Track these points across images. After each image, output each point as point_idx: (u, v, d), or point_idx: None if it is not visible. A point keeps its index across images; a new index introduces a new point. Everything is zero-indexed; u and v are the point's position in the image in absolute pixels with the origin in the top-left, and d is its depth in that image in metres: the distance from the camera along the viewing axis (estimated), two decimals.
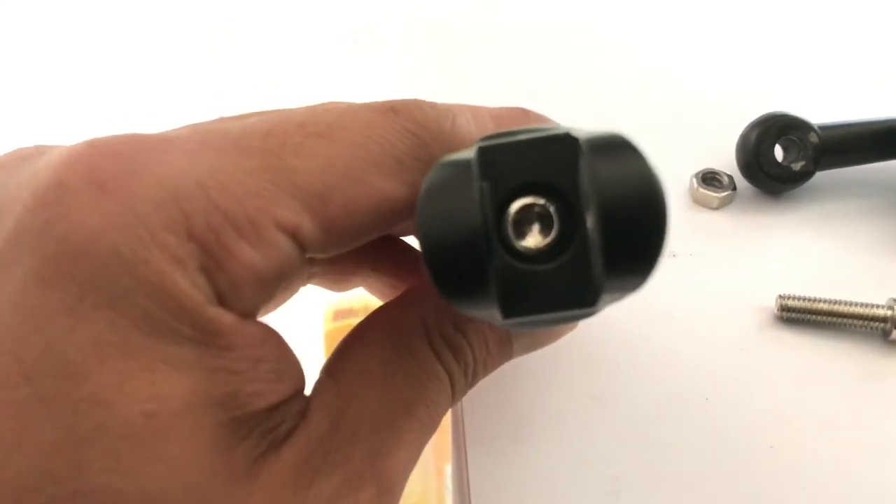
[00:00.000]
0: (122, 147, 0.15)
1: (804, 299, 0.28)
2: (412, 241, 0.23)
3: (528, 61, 0.44)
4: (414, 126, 0.16)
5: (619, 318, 0.26)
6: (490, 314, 0.14)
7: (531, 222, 0.14)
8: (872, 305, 0.28)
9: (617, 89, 0.41)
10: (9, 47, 0.51)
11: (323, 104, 0.17)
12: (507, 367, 0.21)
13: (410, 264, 0.23)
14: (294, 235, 0.15)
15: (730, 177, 0.34)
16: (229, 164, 0.15)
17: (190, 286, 0.14)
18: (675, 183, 0.35)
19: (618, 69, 0.43)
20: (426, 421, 0.18)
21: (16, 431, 0.13)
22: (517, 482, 0.25)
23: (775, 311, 0.29)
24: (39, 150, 0.16)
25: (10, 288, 0.14)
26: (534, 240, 0.14)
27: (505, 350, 0.20)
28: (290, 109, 0.17)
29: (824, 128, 0.33)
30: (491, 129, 0.18)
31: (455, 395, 0.19)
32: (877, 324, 0.28)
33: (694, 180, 0.34)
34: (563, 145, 0.14)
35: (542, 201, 0.14)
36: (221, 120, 0.18)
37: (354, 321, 0.19)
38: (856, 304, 0.28)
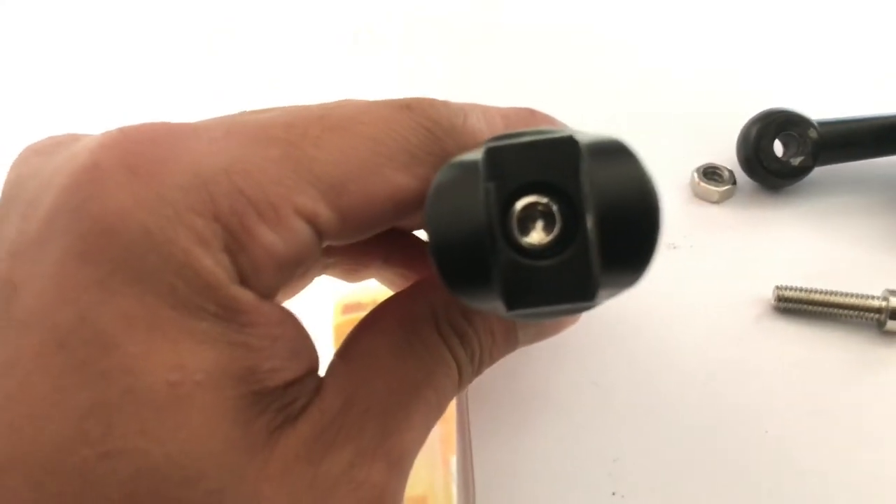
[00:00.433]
0: (153, 134, 0.16)
1: (801, 290, 0.29)
2: (423, 234, 0.24)
3: (529, 60, 0.44)
4: (427, 122, 0.17)
5: (621, 307, 0.27)
6: (494, 307, 0.15)
7: (535, 220, 0.15)
8: (868, 296, 0.29)
9: (619, 87, 0.42)
10: (9, 47, 0.52)
11: (340, 100, 0.18)
12: (511, 355, 0.22)
13: (420, 257, 0.24)
14: (312, 222, 0.16)
15: (730, 171, 0.35)
16: (252, 152, 0.16)
17: (214, 265, 0.15)
18: (677, 177, 0.35)
19: (619, 67, 0.43)
20: (434, 403, 0.19)
21: (51, 396, 0.14)
22: (521, 470, 0.26)
23: (772, 301, 0.30)
24: (73, 137, 0.17)
25: (47, 262, 0.15)
26: (537, 236, 0.15)
27: (510, 340, 0.21)
28: (310, 104, 0.18)
29: (823, 124, 0.34)
30: (501, 127, 0.19)
31: (462, 381, 0.19)
32: (872, 314, 0.28)
33: (695, 174, 0.35)
34: (566, 148, 0.15)
35: (545, 200, 0.15)
36: (244, 113, 0.18)
37: (363, 315, 0.20)
38: (851, 295, 0.29)
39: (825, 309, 0.29)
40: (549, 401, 0.27)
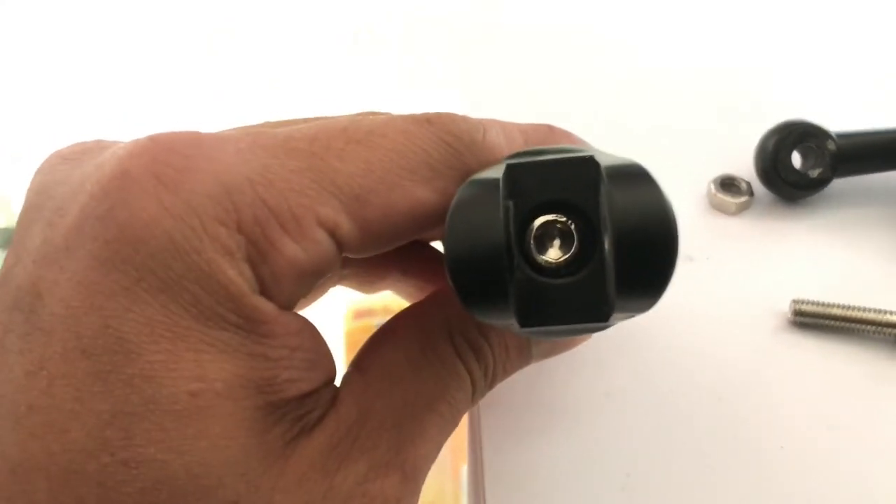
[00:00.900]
0: (180, 143, 0.16)
1: (818, 304, 0.29)
2: (440, 246, 0.24)
3: (532, 63, 0.44)
4: (448, 136, 0.17)
5: (636, 319, 0.27)
6: (508, 324, 0.15)
7: (552, 238, 0.15)
8: (886, 311, 0.28)
9: (632, 96, 0.41)
10: (9, 47, 0.52)
11: (364, 113, 0.18)
12: None
13: (437, 269, 0.24)
14: (333, 233, 0.16)
15: (748, 183, 0.35)
16: (277, 163, 0.16)
17: (236, 275, 0.15)
18: (694, 188, 0.35)
19: (632, 74, 0.43)
20: (447, 416, 0.19)
21: (74, 402, 0.14)
22: (532, 482, 0.25)
23: (789, 315, 0.29)
24: (100, 145, 0.17)
25: (74, 269, 0.15)
26: (554, 254, 0.15)
27: (524, 355, 0.21)
28: (335, 117, 0.18)
29: (842, 136, 0.33)
30: (520, 143, 0.19)
31: (475, 394, 0.19)
32: (890, 330, 0.28)
33: (712, 186, 0.35)
34: (587, 168, 0.15)
35: (563, 219, 0.15)
36: (268, 123, 0.19)
37: (374, 321, 0.20)
38: (869, 310, 0.29)
39: (842, 323, 0.29)
40: (561, 412, 0.27)
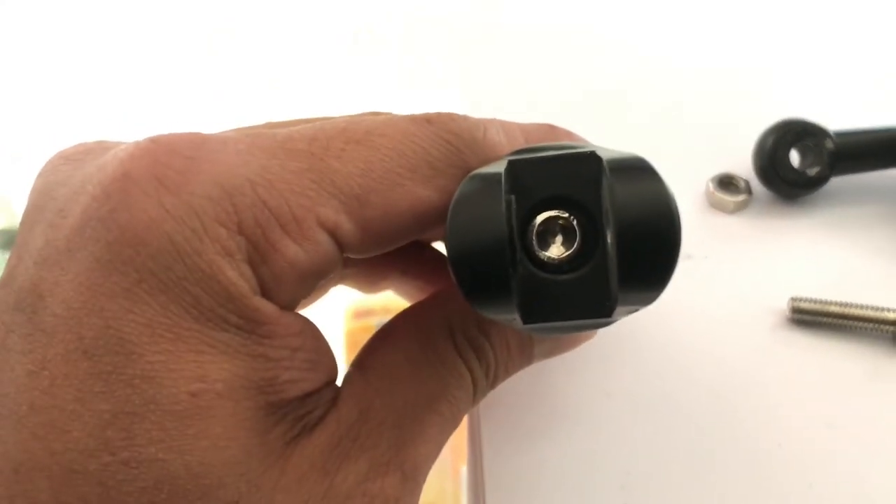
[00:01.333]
0: (181, 145, 0.16)
1: (816, 302, 0.29)
2: (440, 246, 0.24)
3: (532, 62, 0.44)
4: (448, 135, 0.17)
5: (635, 317, 0.27)
6: (511, 319, 0.15)
7: (554, 234, 0.15)
8: (883, 309, 0.28)
9: (630, 94, 0.41)
10: (9, 47, 0.52)
11: (364, 114, 0.18)
12: None
13: (438, 269, 0.24)
14: (334, 234, 0.16)
15: (746, 181, 0.35)
16: (277, 164, 0.16)
17: (237, 276, 0.15)
18: (691, 186, 0.35)
19: (630, 73, 0.43)
20: (448, 416, 0.19)
21: (76, 402, 0.14)
22: (532, 481, 0.26)
23: (788, 313, 0.30)
24: (102, 146, 0.17)
25: (75, 270, 0.15)
26: (556, 250, 0.15)
27: (526, 354, 0.21)
28: (334, 117, 0.18)
29: (840, 134, 0.34)
30: (521, 142, 0.19)
31: (476, 394, 0.19)
32: (887, 326, 0.28)
33: (710, 184, 0.35)
34: (588, 163, 0.15)
35: (566, 214, 0.15)
36: (269, 125, 0.19)
37: (373, 320, 0.20)
38: (867, 308, 0.29)
39: (840, 321, 0.29)
40: (561, 411, 0.27)
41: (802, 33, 0.45)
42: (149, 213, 0.15)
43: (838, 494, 0.25)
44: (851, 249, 0.32)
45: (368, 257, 0.18)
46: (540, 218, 0.15)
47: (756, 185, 0.34)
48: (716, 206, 0.34)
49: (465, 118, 0.18)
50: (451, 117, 0.18)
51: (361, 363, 0.19)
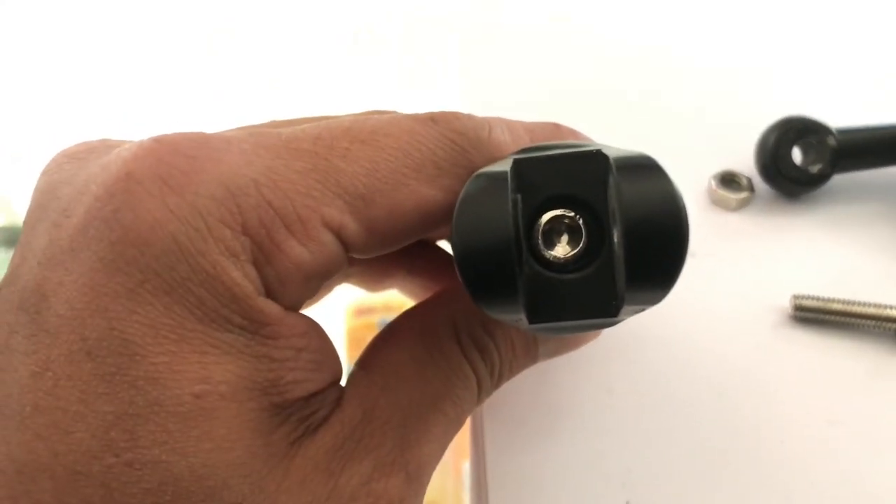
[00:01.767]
0: (185, 144, 0.16)
1: (818, 299, 0.29)
2: (445, 245, 0.24)
3: (531, 61, 0.44)
4: (453, 134, 0.17)
5: (637, 315, 0.27)
6: (517, 318, 0.15)
7: (560, 233, 0.15)
8: (886, 306, 0.28)
9: (632, 92, 0.41)
10: (9, 47, 0.52)
11: (368, 113, 0.18)
12: None
13: (443, 268, 0.24)
14: (339, 234, 0.16)
15: (748, 179, 0.35)
16: (281, 164, 0.16)
17: (241, 277, 0.15)
18: (694, 184, 0.35)
19: (632, 71, 0.43)
20: (452, 416, 0.19)
21: (79, 403, 0.14)
22: (534, 477, 0.26)
23: (790, 310, 0.30)
24: (106, 144, 0.17)
25: (79, 270, 0.15)
26: (562, 250, 0.15)
27: (531, 354, 0.21)
28: (339, 116, 0.18)
29: (842, 131, 0.33)
30: (526, 141, 0.19)
31: (481, 393, 0.19)
32: (890, 324, 0.28)
33: (712, 181, 0.35)
34: (595, 162, 0.15)
35: (571, 214, 0.15)
36: (274, 124, 0.19)
37: (375, 318, 0.20)
38: (869, 305, 0.29)
39: (843, 318, 0.29)
40: (563, 408, 0.27)
41: (804, 31, 0.45)
42: (153, 214, 0.15)
43: (841, 492, 0.25)
44: (854, 247, 0.32)
45: (373, 257, 0.18)
46: (546, 217, 0.15)
47: (758, 182, 0.34)
48: (718, 203, 0.34)
49: (470, 117, 0.18)
50: (455, 116, 0.18)
51: (365, 363, 0.19)
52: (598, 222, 0.15)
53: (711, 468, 0.26)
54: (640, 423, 0.27)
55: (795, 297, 0.29)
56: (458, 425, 0.19)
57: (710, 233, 0.33)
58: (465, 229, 0.15)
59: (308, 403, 0.17)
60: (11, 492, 0.14)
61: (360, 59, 0.47)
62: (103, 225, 0.15)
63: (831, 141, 0.33)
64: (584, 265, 0.15)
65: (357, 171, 0.16)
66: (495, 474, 0.26)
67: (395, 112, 0.18)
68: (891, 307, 0.28)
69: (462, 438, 0.29)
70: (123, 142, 0.17)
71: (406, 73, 0.45)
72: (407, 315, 0.20)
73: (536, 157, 0.15)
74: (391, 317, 0.20)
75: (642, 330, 0.29)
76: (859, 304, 0.29)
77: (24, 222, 0.17)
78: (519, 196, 0.15)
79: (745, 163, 0.35)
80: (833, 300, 0.29)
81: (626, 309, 0.15)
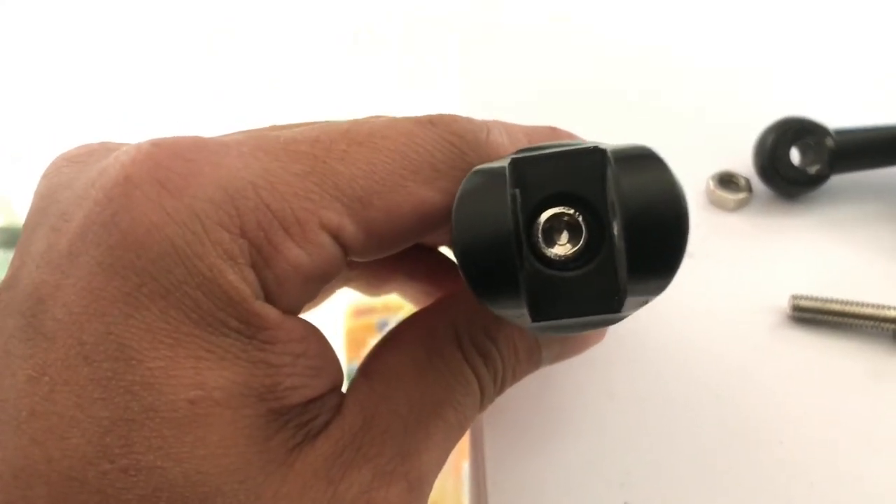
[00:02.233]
0: (183, 148, 0.16)
1: (817, 300, 0.29)
2: (447, 251, 0.24)
3: (531, 61, 0.44)
4: (451, 137, 0.17)
5: (635, 316, 0.27)
6: (521, 315, 0.15)
7: (560, 231, 0.15)
8: (884, 306, 0.28)
9: (630, 92, 0.41)
10: (9, 47, 0.52)
11: (366, 116, 0.18)
12: None
13: (444, 273, 0.24)
14: (337, 237, 0.16)
15: (746, 179, 0.35)
16: (279, 167, 0.16)
17: (239, 280, 0.15)
18: (692, 184, 0.35)
19: (630, 71, 0.43)
20: (454, 423, 0.18)
21: (75, 408, 0.14)
22: (533, 479, 0.26)
23: (788, 311, 0.30)
24: (106, 147, 0.17)
25: (77, 275, 0.15)
26: (562, 248, 0.15)
27: (534, 358, 0.20)
28: (337, 119, 0.18)
29: (840, 132, 0.34)
30: (523, 143, 0.19)
31: (483, 399, 0.19)
32: (888, 324, 0.28)
33: (710, 182, 0.35)
34: (592, 158, 0.15)
35: (571, 211, 0.15)
36: (272, 127, 0.19)
37: (374, 318, 0.20)
38: (867, 305, 0.29)
39: (841, 319, 0.29)
40: (562, 411, 0.27)
41: (803, 31, 0.45)
42: (150, 217, 0.15)
43: (840, 492, 0.25)
44: (852, 247, 0.32)
45: (373, 260, 0.18)
46: (545, 215, 0.15)
47: (756, 183, 0.34)
48: (716, 203, 0.34)
49: (468, 120, 0.18)
50: (453, 119, 0.18)
51: (367, 369, 0.19)
52: (597, 219, 0.15)
53: (710, 468, 0.26)
54: (639, 425, 0.27)
55: (794, 297, 0.29)
56: (461, 432, 0.19)
57: (708, 233, 0.33)
58: (464, 224, 0.15)
59: (307, 410, 0.17)
60: (7, 497, 0.14)
61: (360, 59, 0.47)
62: (101, 229, 0.15)
63: (829, 142, 0.33)
64: (586, 262, 0.15)
65: (355, 174, 0.16)
66: (495, 476, 0.26)
67: (394, 116, 0.18)
68: (889, 307, 0.28)
69: (462, 439, 0.29)
70: (122, 144, 0.17)
71: (406, 74, 0.45)
72: (408, 321, 0.20)
73: (534, 155, 0.15)
74: (391, 317, 0.20)
75: (641, 331, 0.29)
76: (857, 304, 0.29)
77: (24, 226, 0.17)
78: (517, 191, 0.15)
79: (743, 163, 0.35)
80: (831, 300, 0.29)
81: (629, 302, 0.15)
